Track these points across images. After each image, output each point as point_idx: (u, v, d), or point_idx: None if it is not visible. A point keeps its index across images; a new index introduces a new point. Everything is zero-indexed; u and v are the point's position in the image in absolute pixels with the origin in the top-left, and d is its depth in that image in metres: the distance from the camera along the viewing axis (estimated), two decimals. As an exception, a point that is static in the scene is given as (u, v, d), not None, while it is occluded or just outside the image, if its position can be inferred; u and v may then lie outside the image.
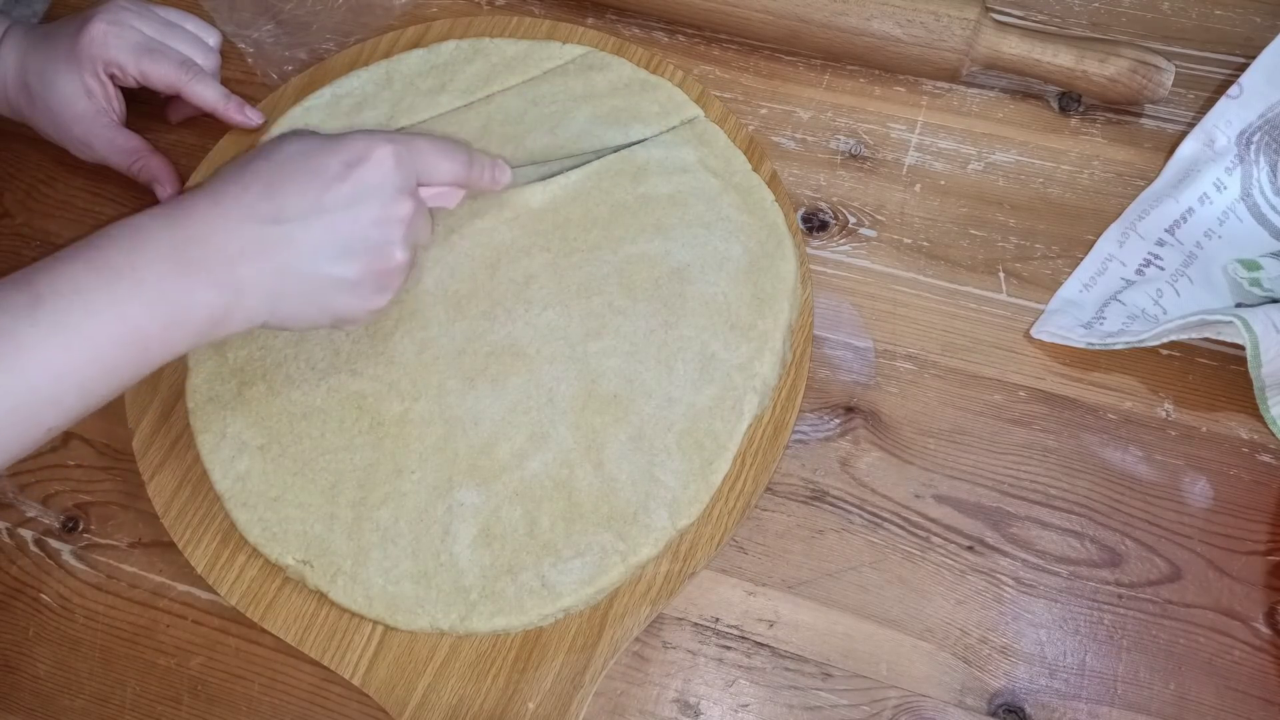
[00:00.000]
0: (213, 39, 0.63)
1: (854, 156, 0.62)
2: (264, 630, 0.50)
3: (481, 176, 0.53)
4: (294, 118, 0.61)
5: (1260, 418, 0.52)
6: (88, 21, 0.59)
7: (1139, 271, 0.56)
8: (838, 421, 0.55)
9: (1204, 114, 0.60)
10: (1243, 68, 0.60)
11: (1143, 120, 0.61)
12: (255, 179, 0.45)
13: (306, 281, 0.46)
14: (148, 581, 0.54)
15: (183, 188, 0.61)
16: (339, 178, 0.46)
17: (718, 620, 0.51)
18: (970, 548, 0.51)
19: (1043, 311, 0.56)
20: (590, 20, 0.67)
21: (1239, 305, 0.54)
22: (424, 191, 0.50)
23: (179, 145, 0.65)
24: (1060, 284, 0.57)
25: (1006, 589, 0.50)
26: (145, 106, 0.63)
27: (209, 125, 0.63)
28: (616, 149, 0.58)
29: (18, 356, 0.40)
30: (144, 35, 0.59)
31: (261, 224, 0.45)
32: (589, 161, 0.57)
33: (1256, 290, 0.53)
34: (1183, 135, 0.60)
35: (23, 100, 0.60)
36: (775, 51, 0.65)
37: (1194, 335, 0.52)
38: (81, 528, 0.56)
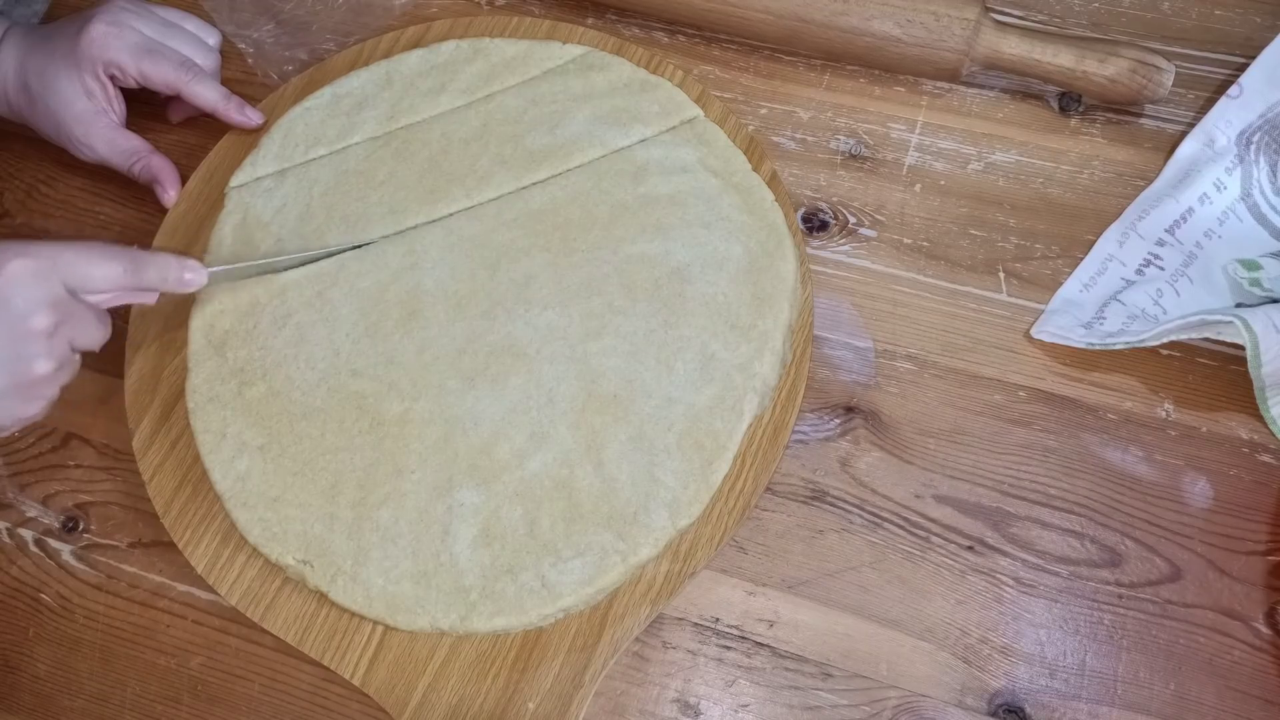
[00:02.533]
0: (213, 39, 0.63)
1: (854, 156, 0.62)
2: (264, 630, 0.50)
3: (161, 279, 0.51)
4: (294, 117, 0.62)
5: (1260, 418, 0.52)
6: (88, 22, 0.59)
7: (1139, 271, 0.56)
8: (838, 421, 0.55)
9: (1204, 114, 0.60)
10: (1243, 68, 0.60)
11: (1143, 120, 0.61)
12: None
13: None
14: (148, 581, 0.54)
15: (183, 188, 0.61)
16: None
17: (718, 620, 0.51)
18: (970, 548, 0.51)
19: (1043, 311, 0.56)
20: (590, 20, 0.67)
21: (1239, 305, 0.54)
22: (95, 297, 0.49)
23: (179, 145, 0.65)
24: (1060, 284, 0.57)
25: (1006, 589, 0.50)
26: (145, 106, 0.63)
27: (209, 125, 0.63)
28: (316, 257, 0.57)
29: None
30: (144, 36, 0.59)
31: None
32: (298, 265, 0.56)
33: (1256, 290, 0.53)
34: (1183, 135, 0.60)
35: (23, 101, 0.60)
36: (775, 51, 0.65)
37: (1194, 335, 0.52)
38: (81, 528, 0.56)
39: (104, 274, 0.48)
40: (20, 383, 0.47)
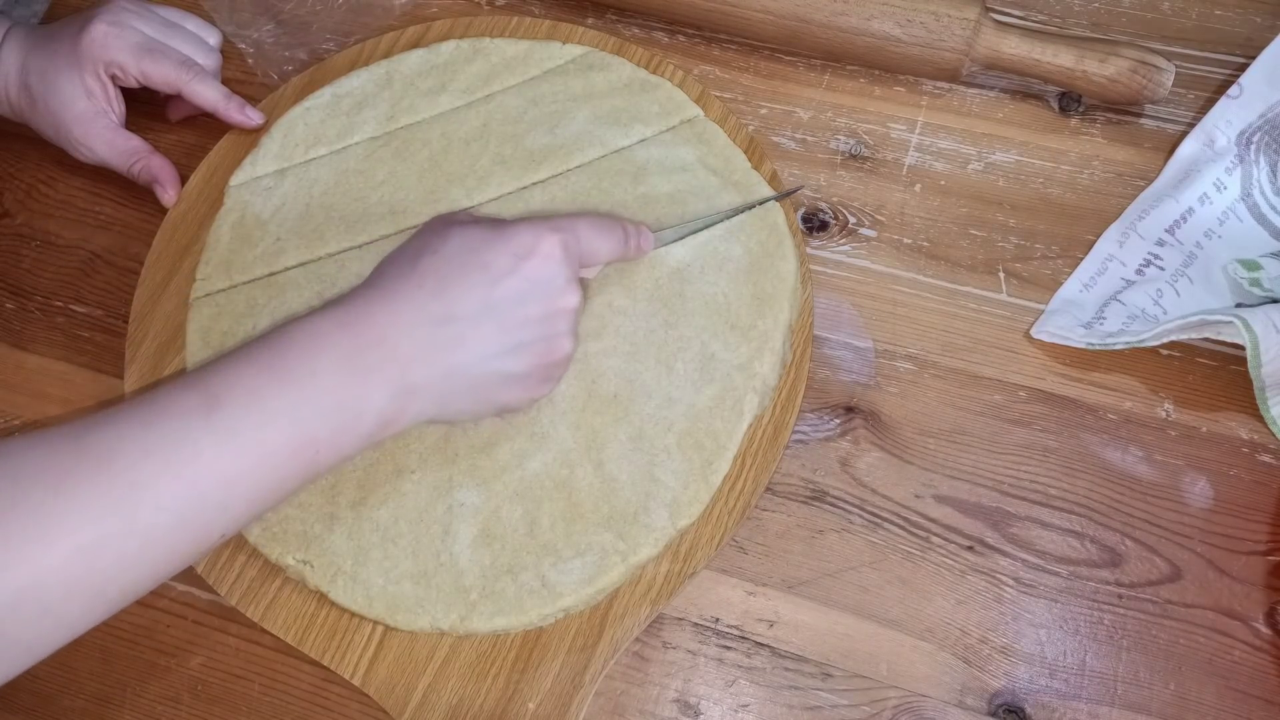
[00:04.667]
0: (213, 38, 0.63)
1: (854, 156, 0.62)
2: (264, 630, 0.50)
3: (636, 251, 0.52)
4: (294, 117, 0.62)
5: (1260, 418, 0.52)
6: (88, 22, 0.59)
7: (1139, 271, 0.56)
8: (838, 421, 0.55)
9: (1204, 114, 0.60)
10: (1243, 68, 0.60)
11: (1143, 120, 0.61)
12: (426, 276, 0.45)
13: (475, 379, 0.46)
14: (148, 581, 0.54)
15: (182, 187, 0.61)
16: (509, 272, 0.45)
17: (718, 620, 0.51)
18: (970, 548, 0.51)
19: (1043, 311, 0.56)
20: (590, 20, 0.67)
21: (1239, 305, 0.54)
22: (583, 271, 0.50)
23: (179, 145, 0.65)
24: (1060, 284, 0.57)
25: (1006, 589, 0.50)
26: (145, 106, 0.63)
27: (209, 125, 0.63)
28: (741, 209, 0.56)
29: (192, 463, 0.39)
30: (144, 35, 0.60)
31: (434, 325, 0.44)
32: (720, 220, 0.56)
33: (1256, 290, 0.53)
34: (1183, 135, 0.60)
35: (24, 101, 0.60)
36: (775, 51, 0.65)
37: (1194, 335, 0.52)
38: (81, 528, 0.56)
39: (609, 247, 0.50)
40: (548, 362, 0.47)
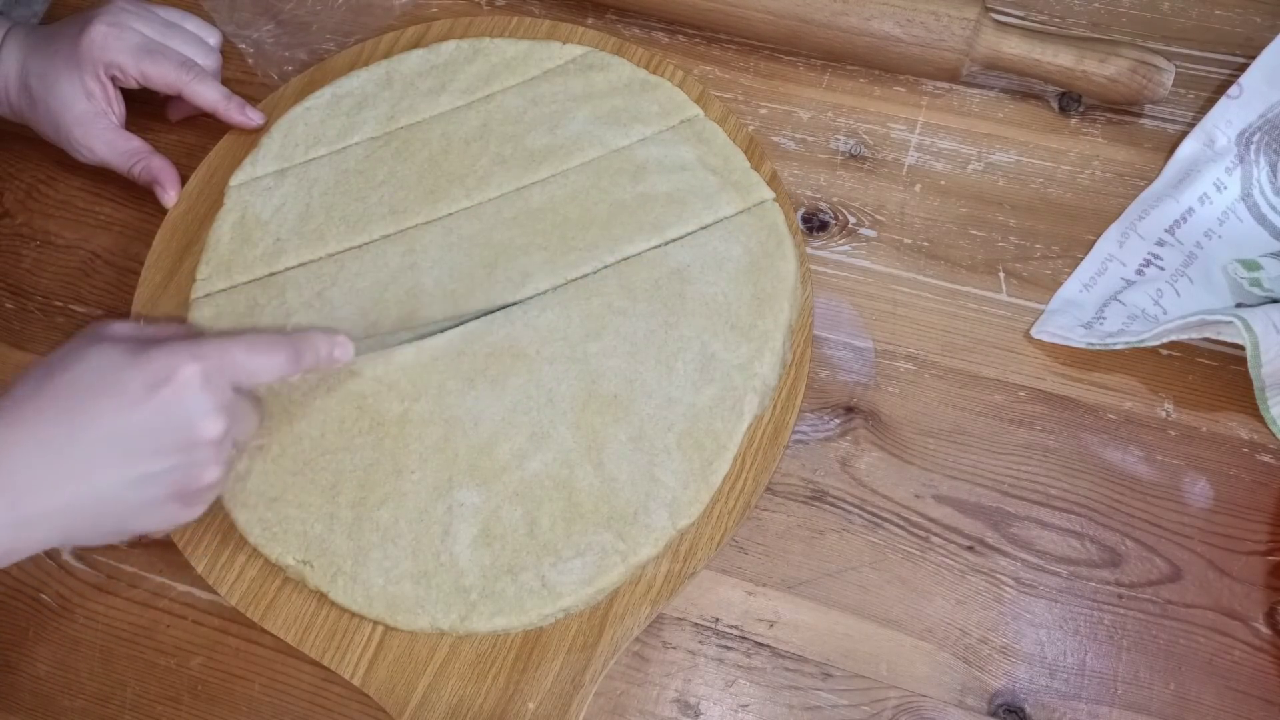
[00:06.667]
0: (213, 39, 0.63)
1: (854, 156, 0.62)
2: (264, 630, 0.50)
3: (316, 361, 0.48)
4: (294, 117, 0.62)
5: (1260, 418, 0.52)
6: (88, 23, 0.59)
7: (1139, 271, 0.56)
8: (838, 421, 0.55)
9: (1204, 114, 0.60)
10: (1243, 68, 0.60)
11: (1143, 120, 0.61)
12: (55, 399, 0.42)
13: (104, 508, 0.43)
14: (148, 581, 0.54)
15: (183, 188, 0.61)
16: (139, 401, 0.42)
17: (718, 620, 0.51)
18: (970, 548, 0.51)
19: (1043, 311, 0.56)
20: (590, 20, 0.67)
21: (1239, 305, 0.54)
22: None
23: (179, 145, 0.65)
24: (1060, 284, 0.57)
25: (1006, 589, 0.50)
26: (145, 106, 0.63)
27: (209, 125, 0.63)
28: (478, 315, 0.54)
29: None
30: (144, 36, 0.59)
31: (54, 453, 0.41)
32: (446, 329, 0.54)
33: (1256, 290, 0.53)
34: (1183, 135, 0.60)
35: (24, 102, 0.60)
36: (775, 51, 0.65)
37: (1194, 335, 0.52)
38: (82, 528, 0.56)
39: (271, 367, 0.46)
40: (186, 490, 0.45)
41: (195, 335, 0.46)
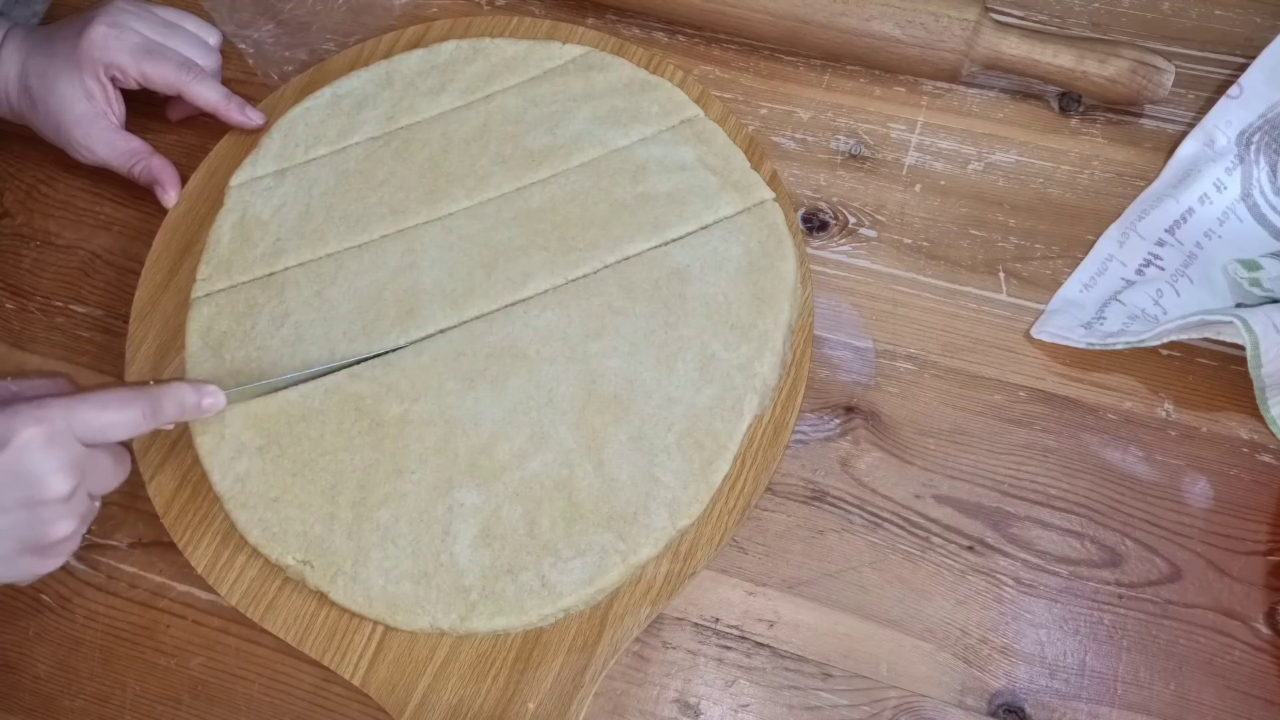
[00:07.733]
0: (213, 39, 0.63)
1: (854, 156, 0.62)
2: (264, 630, 0.50)
3: (180, 413, 0.48)
4: (294, 117, 0.62)
5: (1260, 418, 0.52)
6: (88, 24, 0.59)
7: (1139, 271, 0.56)
8: (838, 421, 0.55)
9: (1204, 114, 0.60)
10: (1243, 68, 0.60)
11: (1143, 120, 0.61)
12: None
13: None
14: (148, 581, 0.54)
15: (183, 188, 0.61)
16: None
17: (718, 620, 0.51)
18: (970, 548, 0.51)
19: (1043, 311, 0.56)
20: (590, 20, 0.67)
21: (1239, 305, 0.54)
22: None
23: (179, 145, 0.65)
24: (1060, 284, 0.57)
25: (1006, 589, 0.50)
26: (145, 106, 0.63)
27: (209, 125, 0.63)
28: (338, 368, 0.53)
29: None
30: (144, 36, 0.59)
31: None
32: (303, 380, 0.53)
33: (1256, 290, 0.53)
34: (1183, 135, 0.60)
35: (24, 103, 0.60)
36: (775, 51, 0.65)
37: (1194, 335, 0.52)
38: (82, 528, 0.56)
39: (123, 422, 0.46)
40: (39, 545, 0.45)
41: (59, 392, 0.46)
